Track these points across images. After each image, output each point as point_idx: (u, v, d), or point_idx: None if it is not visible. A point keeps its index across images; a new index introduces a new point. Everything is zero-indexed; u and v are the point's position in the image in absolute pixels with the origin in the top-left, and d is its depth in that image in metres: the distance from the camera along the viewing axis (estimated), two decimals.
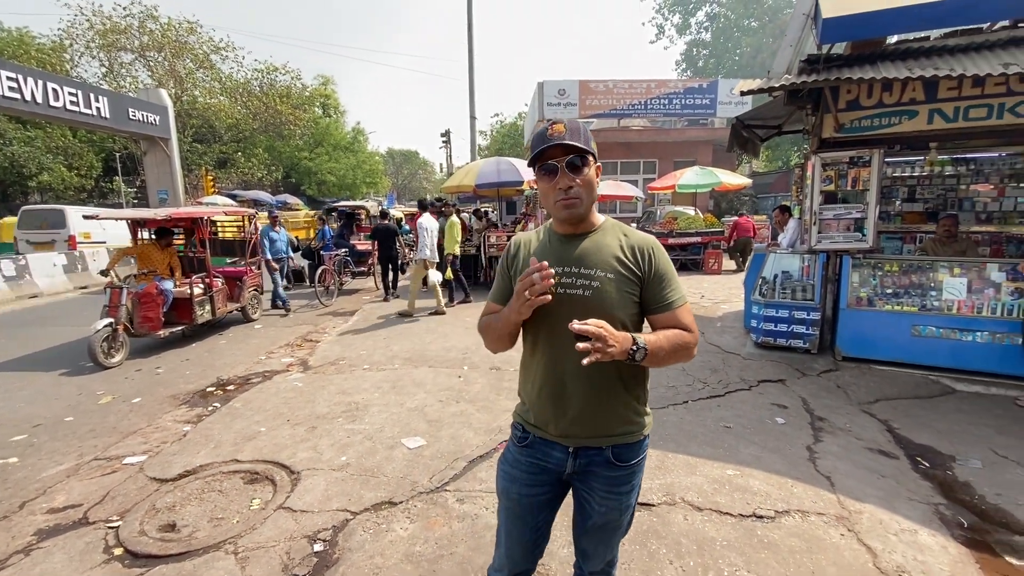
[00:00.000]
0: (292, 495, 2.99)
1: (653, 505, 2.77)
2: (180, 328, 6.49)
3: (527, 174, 9.55)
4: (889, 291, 5.01)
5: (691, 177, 12.65)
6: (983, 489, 2.96)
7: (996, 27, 4.50)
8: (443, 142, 28.23)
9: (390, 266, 9.56)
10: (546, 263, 1.23)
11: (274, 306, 8.40)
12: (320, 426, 3.94)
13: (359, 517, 2.75)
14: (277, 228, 8.43)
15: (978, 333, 4.62)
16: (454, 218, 8.54)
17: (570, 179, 1.33)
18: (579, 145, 1.31)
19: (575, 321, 1.19)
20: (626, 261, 1.37)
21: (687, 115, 18.02)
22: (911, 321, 4.86)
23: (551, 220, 1.50)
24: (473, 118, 21.89)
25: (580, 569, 1.65)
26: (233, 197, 22.68)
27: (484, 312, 1.53)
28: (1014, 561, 2.37)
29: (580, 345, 1.17)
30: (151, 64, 26.81)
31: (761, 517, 2.67)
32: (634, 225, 12.95)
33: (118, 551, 2.55)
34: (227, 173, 28.69)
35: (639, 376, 1.43)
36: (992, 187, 6.35)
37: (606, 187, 13.25)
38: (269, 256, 8.19)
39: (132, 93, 23.16)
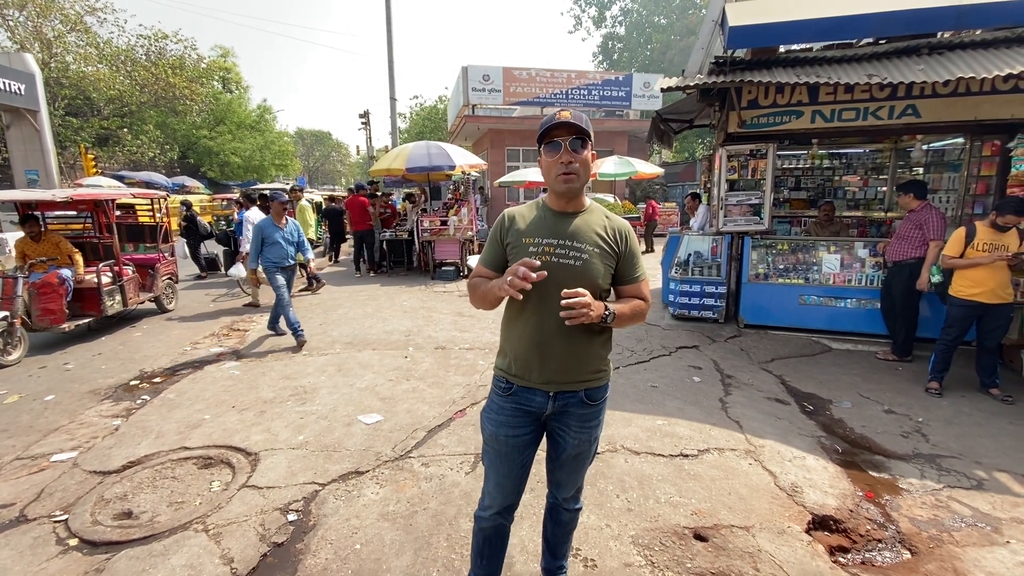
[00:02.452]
0: (254, 474, 3.02)
1: (598, 453, 3.13)
2: (86, 321, 5.95)
3: (458, 158, 9.65)
4: (781, 267, 5.82)
5: (611, 166, 13.36)
6: (852, 423, 3.67)
7: (862, 43, 5.34)
8: (362, 123, 27.13)
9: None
10: (545, 273, 1.48)
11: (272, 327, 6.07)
12: (269, 410, 3.92)
13: (328, 487, 2.87)
14: (283, 222, 5.64)
15: (848, 300, 5.54)
16: (303, 203, 8.49)
17: (571, 156, 1.56)
18: (582, 126, 1.55)
19: (565, 291, 1.47)
20: (609, 240, 1.64)
21: (604, 106, 18.87)
22: (798, 292, 5.70)
23: (543, 197, 1.74)
24: (393, 99, 21.32)
25: (554, 498, 1.90)
26: (120, 179, 20.36)
27: (475, 273, 1.76)
28: (874, 474, 3.03)
29: (564, 313, 1.46)
30: (11, 24, 23.10)
31: (687, 455, 3.15)
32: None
33: (73, 542, 2.48)
34: (110, 152, 25.56)
35: (606, 335, 1.72)
36: (859, 178, 7.49)
37: (534, 173, 13.66)
38: (256, 264, 5.60)
39: None
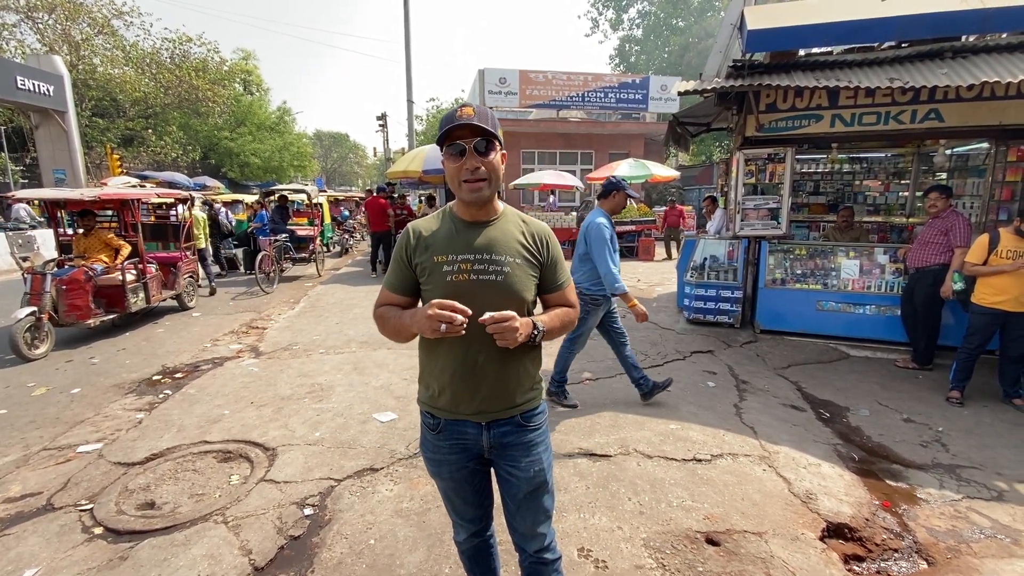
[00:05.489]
0: (272, 469, 3.09)
1: (610, 456, 3.16)
2: (111, 317, 6.11)
3: None
4: (799, 272, 5.76)
5: (626, 169, 13.31)
6: (870, 432, 3.62)
7: (884, 46, 5.27)
8: (379, 126, 27.40)
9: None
10: (469, 311, 1.29)
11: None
12: (287, 407, 4.00)
13: (344, 483, 2.92)
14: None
15: (867, 307, 5.45)
16: (196, 211, 8.42)
17: (477, 160, 1.37)
18: (487, 128, 1.35)
19: (487, 314, 1.31)
20: (529, 247, 1.49)
21: (621, 108, 18.82)
22: (816, 298, 5.63)
23: (450, 205, 1.55)
24: (411, 102, 21.51)
25: (526, 554, 1.66)
26: (143, 178, 20.87)
27: (381, 300, 1.53)
28: (891, 483, 2.98)
29: (498, 340, 1.33)
30: (40, 27, 23.83)
31: (700, 460, 3.13)
32: (574, 214, 13.53)
33: (98, 530, 2.56)
34: (135, 152, 26.20)
35: (537, 351, 1.57)
36: (879, 183, 7.38)
37: (549, 176, 13.67)
38: (623, 283, 3.63)
39: (19, 59, 20.56)
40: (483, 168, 1.38)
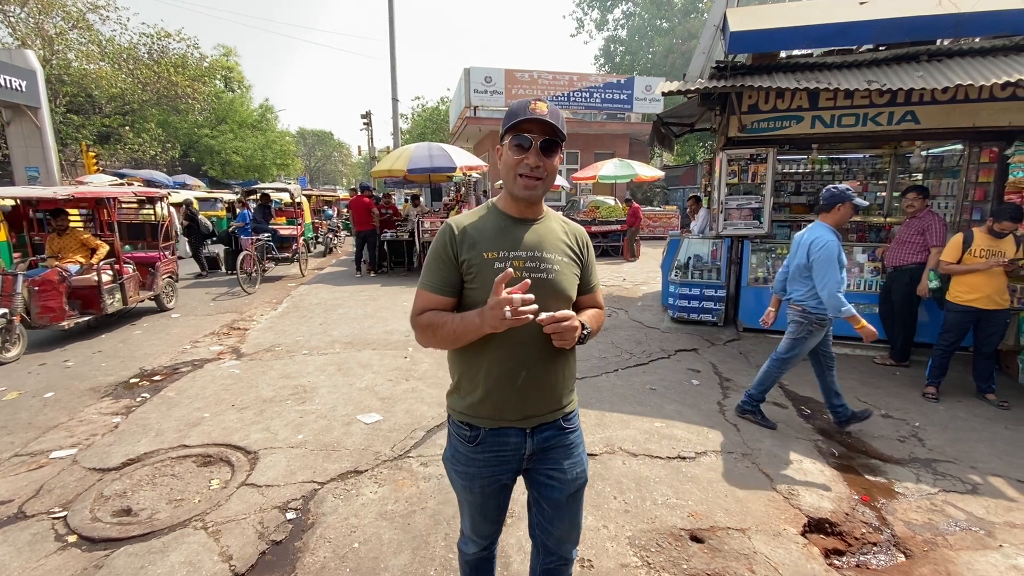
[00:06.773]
0: (253, 472, 3.03)
1: (596, 455, 3.17)
2: (86, 319, 5.96)
3: (459, 160, 9.68)
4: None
5: (611, 169, 13.42)
6: (849, 428, 3.68)
7: (863, 49, 5.37)
8: (364, 124, 27.15)
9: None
10: (532, 296, 1.22)
11: None
12: (269, 409, 3.93)
13: (327, 486, 2.88)
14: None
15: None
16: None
17: (539, 159, 1.34)
18: (558, 127, 1.34)
19: (545, 314, 1.25)
20: (573, 247, 1.49)
21: (606, 109, 18.93)
22: None
23: (493, 201, 1.50)
24: (395, 100, 21.36)
25: (553, 556, 1.60)
26: (120, 176, 20.40)
27: (424, 305, 1.40)
28: (870, 477, 3.04)
29: (556, 341, 1.31)
30: (12, 20, 23.13)
31: (684, 458, 3.16)
32: (560, 213, 13.53)
33: (72, 538, 2.49)
34: (111, 149, 25.60)
35: (575, 354, 1.55)
36: (858, 183, 7.51)
37: None
38: (846, 305, 3.29)
39: None
40: (543, 168, 1.36)
